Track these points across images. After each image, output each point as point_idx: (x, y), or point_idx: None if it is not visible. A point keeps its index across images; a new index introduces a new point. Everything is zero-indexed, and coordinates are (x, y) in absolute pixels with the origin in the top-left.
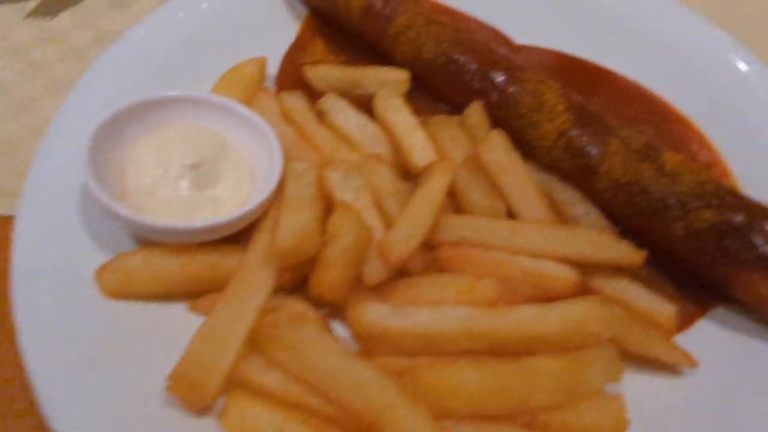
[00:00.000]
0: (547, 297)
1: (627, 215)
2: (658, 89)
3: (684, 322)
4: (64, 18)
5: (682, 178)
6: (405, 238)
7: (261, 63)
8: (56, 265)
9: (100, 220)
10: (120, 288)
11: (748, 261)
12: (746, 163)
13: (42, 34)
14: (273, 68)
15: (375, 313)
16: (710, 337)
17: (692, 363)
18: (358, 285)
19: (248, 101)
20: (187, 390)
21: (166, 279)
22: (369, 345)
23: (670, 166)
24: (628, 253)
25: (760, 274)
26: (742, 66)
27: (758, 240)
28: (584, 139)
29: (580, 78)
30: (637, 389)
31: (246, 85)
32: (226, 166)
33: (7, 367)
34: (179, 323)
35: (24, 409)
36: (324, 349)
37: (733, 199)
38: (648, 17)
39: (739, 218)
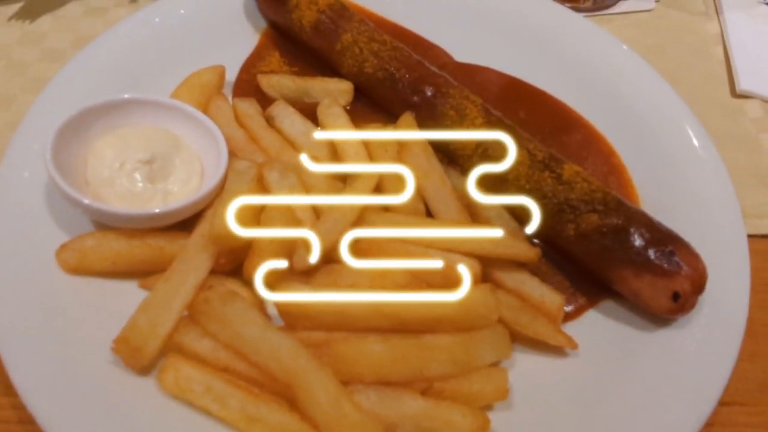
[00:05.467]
0: (452, 286)
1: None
2: (579, 108)
3: (575, 312)
4: (44, 22)
5: (575, 186)
6: (328, 231)
7: (219, 70)
8: (21, 245)
9: (63, 207)
10: (77, 265)
11: (622, 259)
12: (648, 176)
13: (23, 36)
14: (234, 75)
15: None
16: (596, 327)
17: (573, 345)
18: (288, 271)
19: (205, 105)
20: (129, 352)
21: (117, 258)
22: (292, 321)
23: (567, 175)
24: (523, 249)
25: (630, 270)
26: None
27: (631, 241)
28: (497, 149)
29: (510, 94)
30: (526, 367)
31: (204, 90)
32: (177, 162)
33: None
34: (132, 298)
35: None
36: (248, 322)
37: (615, 206)
38: (579, 44)
39: (617, 222)
